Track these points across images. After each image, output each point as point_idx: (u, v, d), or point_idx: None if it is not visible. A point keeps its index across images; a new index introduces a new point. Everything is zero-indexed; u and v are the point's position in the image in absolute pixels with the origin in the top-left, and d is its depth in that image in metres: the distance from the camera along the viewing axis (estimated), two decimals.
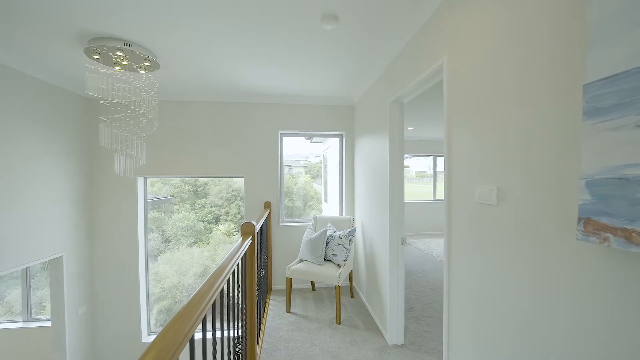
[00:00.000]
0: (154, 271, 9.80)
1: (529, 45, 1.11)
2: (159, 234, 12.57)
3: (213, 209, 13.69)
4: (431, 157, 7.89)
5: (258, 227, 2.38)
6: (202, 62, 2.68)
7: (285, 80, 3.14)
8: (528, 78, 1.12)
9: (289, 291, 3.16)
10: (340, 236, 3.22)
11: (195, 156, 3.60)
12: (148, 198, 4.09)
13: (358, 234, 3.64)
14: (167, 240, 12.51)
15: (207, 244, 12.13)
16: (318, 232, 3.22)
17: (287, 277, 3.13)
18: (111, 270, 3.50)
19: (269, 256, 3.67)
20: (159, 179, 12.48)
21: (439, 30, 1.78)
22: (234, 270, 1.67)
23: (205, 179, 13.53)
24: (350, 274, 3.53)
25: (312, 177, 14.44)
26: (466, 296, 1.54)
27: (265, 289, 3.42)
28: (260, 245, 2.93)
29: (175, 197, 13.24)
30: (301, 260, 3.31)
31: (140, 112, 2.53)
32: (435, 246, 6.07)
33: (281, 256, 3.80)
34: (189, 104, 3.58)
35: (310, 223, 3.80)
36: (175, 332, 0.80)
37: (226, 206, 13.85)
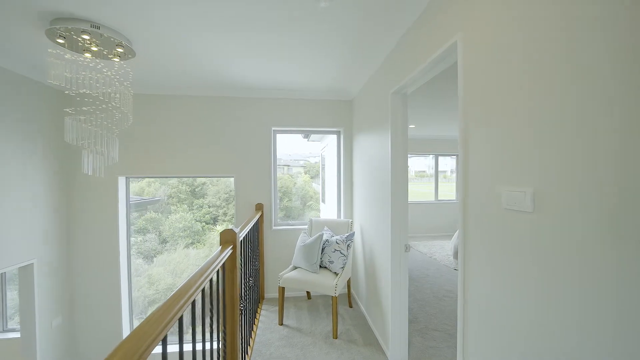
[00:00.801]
0: (147, 273, 9.53)
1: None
2: (156, 234, 12.33)
3: (211, 209, 13.45)
4: (431, 156, 7.59)
5: (243, 234, 2.09)
6: (184, 51, 2.39)
7: (277, 72, 2.84)
8: (579, 45, 0.82)
9: (281, 302, 2.87)
10: (338, 241, 2.93)
11: (181, 154, 3.31)
12: (133, 199, 3.80)
13: (357, 238, 3.35)
14: (164, 241, 12.28)
15: (203, 245, 11.89)
16: (313, 237, 2.93)
17: (279, 287, 2.84)
18: (90, 277, 3.21)
19: (260, 262, 3.38)
20: (157, 178, 12.23)
21: (452, 3, 1.49)
22: (207, 287, 1.38)
23: (203, 179, 13.28)
24: (349, 281, 3.24)
25: (312, 177, 14.18)
26: (488, 323, 1.24)
27: (256, 298, 3.13)
28: (250, 251, 2.65)
29: (171, 197, 12.97)
30: (295, 268, 3.02)
31: (113, 104, 2.24)
32: (438, 249, 5.78)
33: (274, 262, 3.51)
34: (173, 97, 3.28)
35: (306, 226, 3.50)
36: None
37: (224, 206, 13.60)
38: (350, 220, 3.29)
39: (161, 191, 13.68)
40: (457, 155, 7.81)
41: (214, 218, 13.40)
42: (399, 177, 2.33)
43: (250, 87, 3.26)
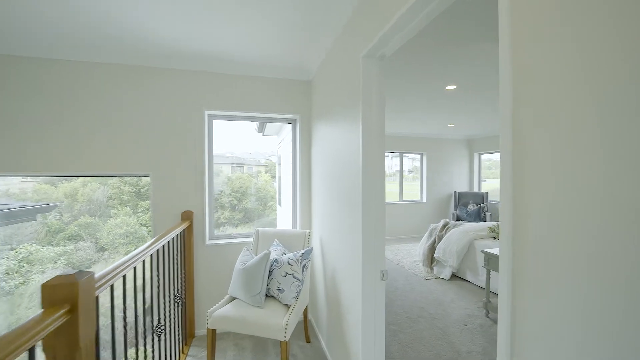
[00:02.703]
0: None
1: None
2: (92, 242, 10.70)
3: None
4: (390, 156, 7.14)
5: (126, 268, 1.22)
6: None
7: (211, 35, 2.00)
8: None
9: (211, 348, 2.02)
10: (290, 261, 2.16)
11: (71, 145, 2.30)
12: (6, 205, 2.71)
13: (316, 253, 2.61)
14: (101, 249, 10.68)
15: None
16: (257, 257, 2.12)
17: (207, 329, 2.00)
18: None
19: (188, 290, 2.50)
20: (67, 178, 10.56)
21: None
22: None
23: (149, 178, 11.73)
24: (306, 308, 2.49)
25: (273, 177, 13.30)
26: None
27: (181, 338, 2.25)
28: (162, 283, 1.78)
29: (112, 199, 11.35)
30: (232, 299, 2.19)
31: None
32: (405, 254, 5.26)
33: (209, 288, 2.63)
34: (59, 63, 2.27)
35: (251, 239, 2.68)
36: None
37: None
38: (308, 231, 2.53)
39: (99, 192, 12.02)
40: (420, 154, 7.48)
41: None
42: (374, 176, 1.62)
43: (173, 53, 2.36)
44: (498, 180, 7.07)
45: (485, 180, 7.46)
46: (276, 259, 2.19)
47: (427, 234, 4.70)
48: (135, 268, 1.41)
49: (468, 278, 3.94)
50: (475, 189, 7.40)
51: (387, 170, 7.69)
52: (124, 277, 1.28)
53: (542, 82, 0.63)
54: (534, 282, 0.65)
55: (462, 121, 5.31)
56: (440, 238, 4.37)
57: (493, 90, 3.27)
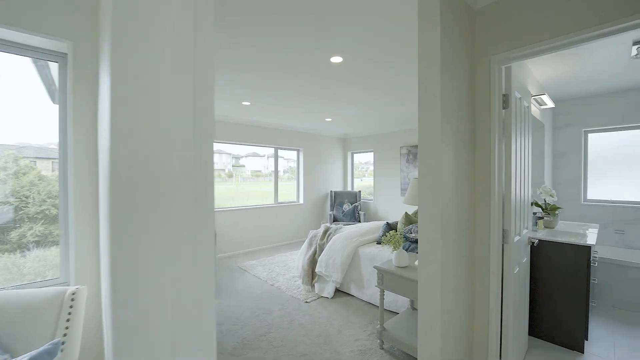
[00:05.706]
0: None
1: None
2: None
3: None
4: (267, 155, 6.18)
5: None
6: None
7: None
8: None
9: None
10: None
11: None
12: None
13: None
14: None
15: None
16: None
17: None
18: None
19: None
20: None
21: None
22: None
23: None
24: None
25: None
26: None
27: None
28: None
29: None
30: None
31: None
32: (281, 268, 4.30)
33: None
34: None
35: None
36: None
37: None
38: (71, 290, 1.07)
39: None
40: (297, 150, 6.79)
41: None
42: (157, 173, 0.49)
43: None
44: (369, 179, 7.01)
45: (361, 179, 7.49)
46: None
47: (306, 243, 3.90)
48: None
49: (352, 292, 3.33)
50: (349, 188, 7.31)
51: (263, 171, 6.59)
52: None
53: None
54: None
55: (340, 114, 4.83)
56: (321, 248, 3.63)
57: (383, 61, 2.67)
